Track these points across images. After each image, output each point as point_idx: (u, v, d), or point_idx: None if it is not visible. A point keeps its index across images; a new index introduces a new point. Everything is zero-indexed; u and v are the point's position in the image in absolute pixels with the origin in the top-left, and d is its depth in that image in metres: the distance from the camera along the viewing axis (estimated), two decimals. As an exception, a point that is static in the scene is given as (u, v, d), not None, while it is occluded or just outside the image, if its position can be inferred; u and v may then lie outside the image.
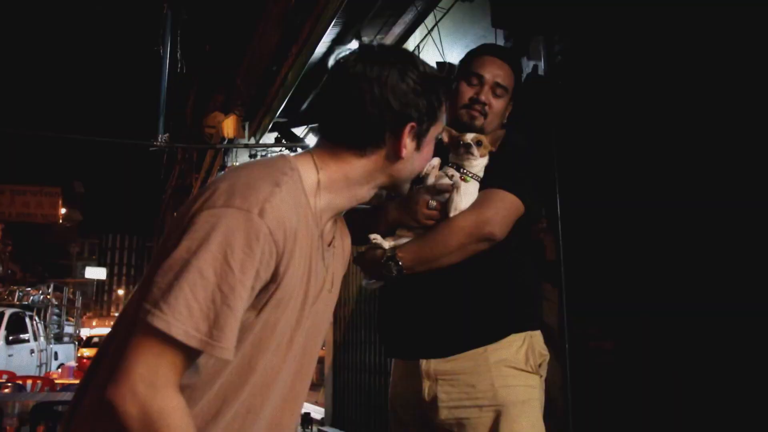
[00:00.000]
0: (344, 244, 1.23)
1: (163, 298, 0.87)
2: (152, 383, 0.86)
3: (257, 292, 0.95)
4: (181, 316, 0.86)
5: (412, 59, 1.11)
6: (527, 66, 3.80)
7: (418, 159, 1.13)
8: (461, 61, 1.81)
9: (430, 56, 4.99)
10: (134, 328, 0.89)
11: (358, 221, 1.68)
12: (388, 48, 1.15)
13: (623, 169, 3.03)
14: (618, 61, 3.20)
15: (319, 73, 5.88)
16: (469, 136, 1.61)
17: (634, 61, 3.11)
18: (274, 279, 0.96)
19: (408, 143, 1.08)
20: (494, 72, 1.73)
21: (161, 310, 0.86)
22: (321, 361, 8.73)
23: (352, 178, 1.08)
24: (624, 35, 3.19)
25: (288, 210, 0.96)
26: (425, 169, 1.62)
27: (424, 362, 1.60)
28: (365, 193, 1.12)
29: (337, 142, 1.08)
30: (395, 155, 1.08)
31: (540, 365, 1.61)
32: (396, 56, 1.10)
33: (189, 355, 0.90)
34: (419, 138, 1.10)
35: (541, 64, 3.66)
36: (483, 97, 1.71)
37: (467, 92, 1.73)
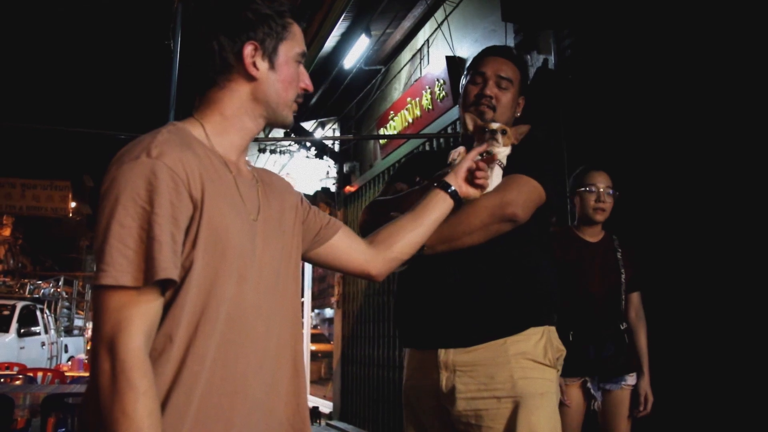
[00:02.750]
0: (280, 185, 1.29)
1: (102, 260, 0.95)
2: (119, 335, 0.94)
3: (186, 225, 1.02)
4: (122, 266, 0.95)
5: None
6: (537, 60, 3.80)
7: (279, 80, 1.18)
8: (466, 69, 1.86)
9: (440, 50, 4.99)
10: (95, 300, 0.99)
11: (388, 208, 1.69)
12: None
13: (632, 163, 3.03)
14: (628, 55, 3.19)
15: (329, 67, 5.90)
16: (496, 125, 1.64)
17: (643, 54, 3.11)
18: (195, 207, 1.03)
19: (258, 62, 1.15)
20: (495, 67, 1.77)
21: (104, 270, 0.95)
22: (329, 355, 8.78)
23: (229, 115, 1.16)
24: (634, 29, 3.18)
25: (176, 144, 1.04)
26: (452, 156, 1.67)
27: (442, 353, 1.60)
28: (251, 125, 1.19)
29: (202, 90, 1.17)
30: (249, 76, 1.15)
31: (557, 359, 1.62)
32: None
33: (145, 298, 0.97)
34: (270, 57, 1.16)
35: (551, 58, 3.67)
36: (488, 91, 1.74)
37: (473, 90, 1.77)
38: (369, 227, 1.77)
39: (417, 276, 1.67)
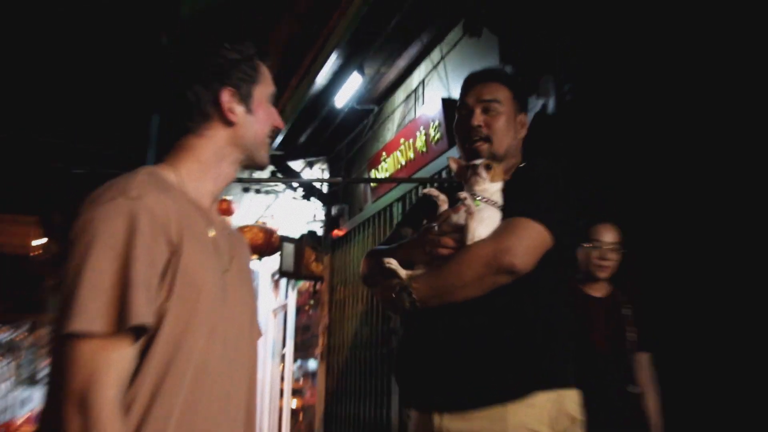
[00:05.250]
0: (240, 237, 1.35)
1: (71, 305, 0.95)
2: (92, 389, 0.93)
3: (162, 271, 1.03)
4: (94, 312, 0.95)
5: (210, 40, 1.26)
6: (536, 105, 3.85)
7: (257, 122, 1.25)
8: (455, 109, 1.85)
9: (435, 91, 5.11)
10: (58, 350, 0.97)
11: (381, 258, 1.67)
12: (190, 42, 1.31)
13: (638, 214, 3.03)
14: (632, 102, 3.25)
15: (319, 105, 5.99)
16: (477, 161, 1.60)
17: (649, 101, 3.16)
18: (173, 252, 1.04)
19: (234, 107, 1.21)
20: (477, 92, 1.72)
21: (74, 316, 0.94)
22: (312, 408, 8.57)
23: (205, 160, 1.21)
24: (637, 73, 3.24)
25: (152, 187, 1.07)
26: (438, 201, 1.63)
27: (436, 417, 1.51)
28: (227, 169, 1.24)
29: (176, 137, 1.22)
30: (227, 122, 1.21)
31: (566, 431, 1.51)
32: (193, 45, 1.27)
33: (119, 345, 0.97)
34: (245, 101, 1.23)
35: (551, 103, 3.73)
36: (474, 121, 1.69)
37: (460, 126, 1.73)
38: (369, 280, 1.76)
39: (414, 329, 1.62)
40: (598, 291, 2.64)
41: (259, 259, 7.65)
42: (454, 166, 1.67)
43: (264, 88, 1.27)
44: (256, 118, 1.25)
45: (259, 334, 1.28)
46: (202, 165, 1.20)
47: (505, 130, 1.70)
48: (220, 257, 1.15)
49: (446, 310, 1.52)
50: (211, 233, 1.16)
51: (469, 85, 1.77)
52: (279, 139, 6.45)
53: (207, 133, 1.21)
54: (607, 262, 2.60)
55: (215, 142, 1.21)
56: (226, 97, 1.20)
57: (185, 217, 1.09)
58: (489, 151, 1.67)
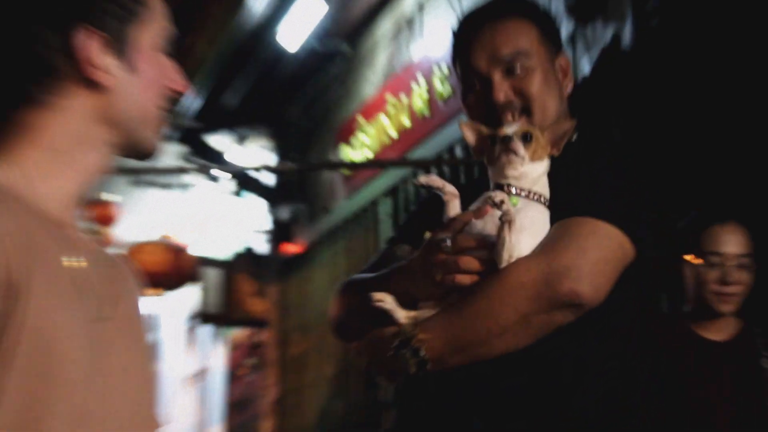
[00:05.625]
0: (123, 265, 1.34)
1: None
2: None
3: None
4: None
5: None
6: (603, 35, 3.87)
7: (140, 84, 1.24)
8: (452, 56, 1.86)
9: (440, 19, 5.08)
10: None
11: (370, 291, 1.64)
12: None
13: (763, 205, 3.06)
14: (757, 28, 3.22)
15: (257, 46, 6.00)
16: (511, 128, 1.61)
17: None
18: (10, 297, 1.02)
19: (103, 61, 1.18)
20: (487, 49, 1.75)
21: None
22: None
23: (59, 147, 1.19)
24: None
25: None
26: (445, 197, 1.63)
27: None
28: (94, 159, 1.23)
29: (9, 111, 1.18)
30: (91, 84, 1.19)
31: None
32: None
33: None
34: (120, 50, 1.20)
35: (626, 32, 3.76)
36: (499, 97, 1.71)
37: (476, 103, 1.77)
38: (345, 329, 1.80)
39: (421, 404, 1.66)
40: (720, 332, 2.64)
41: (162, 294, 7.61)
42: (470, 136, 1.70)
43: (152, 29, 1.26)
44: (138, 77, 1.23)
45: (158, 422, 1.28)
46: (55, 154, 1.19)
47: (547, 89, 1.75)
48: (89, 299, 1.14)
49: (473, 373, 1.56)
50: (74, 262, 1.14)
51: (469, 35, 1.81)
52: (193, 103, 6.49)
53: (60, 104, 1.18)
54: (733, 287, 2.58)
55: (74, 118, 1.19)
56: (89, 44, 1.16)
57: (30, 242, 1.07)
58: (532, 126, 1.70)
